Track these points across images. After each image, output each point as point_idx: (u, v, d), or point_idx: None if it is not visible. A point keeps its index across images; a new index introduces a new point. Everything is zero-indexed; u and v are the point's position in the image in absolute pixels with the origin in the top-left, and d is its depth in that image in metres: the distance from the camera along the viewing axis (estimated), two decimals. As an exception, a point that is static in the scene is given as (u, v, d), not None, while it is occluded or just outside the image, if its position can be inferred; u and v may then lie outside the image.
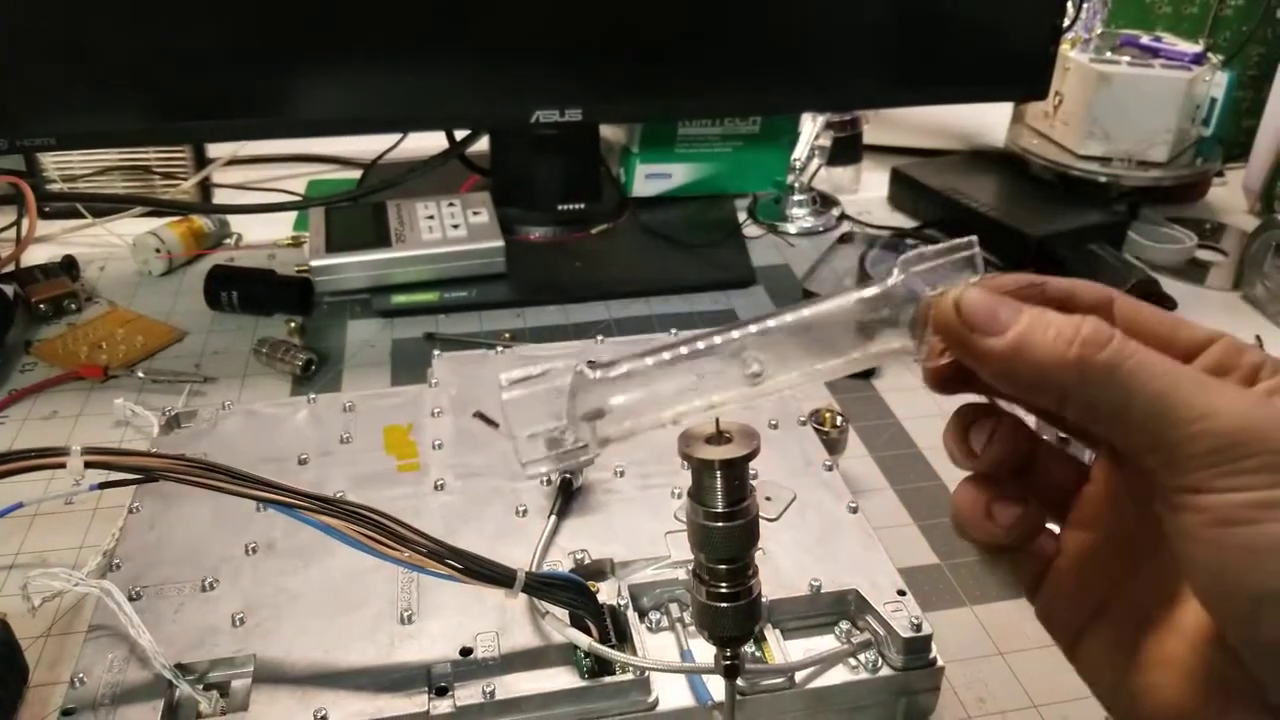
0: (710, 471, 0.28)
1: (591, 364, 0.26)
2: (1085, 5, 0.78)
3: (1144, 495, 0.24)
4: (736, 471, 0.28)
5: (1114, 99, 0.75)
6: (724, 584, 0.29)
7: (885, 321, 0.26)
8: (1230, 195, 0.86)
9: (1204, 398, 0.22)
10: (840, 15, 0.68)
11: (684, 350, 0.26)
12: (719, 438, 0.28)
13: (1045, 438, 0.28)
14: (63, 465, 0.33)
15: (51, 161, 0.78)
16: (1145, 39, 0.79)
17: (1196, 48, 0.77)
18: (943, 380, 0.27)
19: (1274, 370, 0.24)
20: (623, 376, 0.26)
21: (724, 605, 0.29)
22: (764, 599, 0.30)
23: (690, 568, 0.30)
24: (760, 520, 0.29)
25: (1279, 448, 0.21)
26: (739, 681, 0.32)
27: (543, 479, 0.44)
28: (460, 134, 0.75)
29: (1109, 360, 0.23)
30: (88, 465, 0.33)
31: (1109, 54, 0.77)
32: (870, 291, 0.26)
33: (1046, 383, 0.23)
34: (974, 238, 0.26)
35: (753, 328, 0.26)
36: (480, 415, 0.45)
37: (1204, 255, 0.76)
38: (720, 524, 0.28)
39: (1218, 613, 0.23)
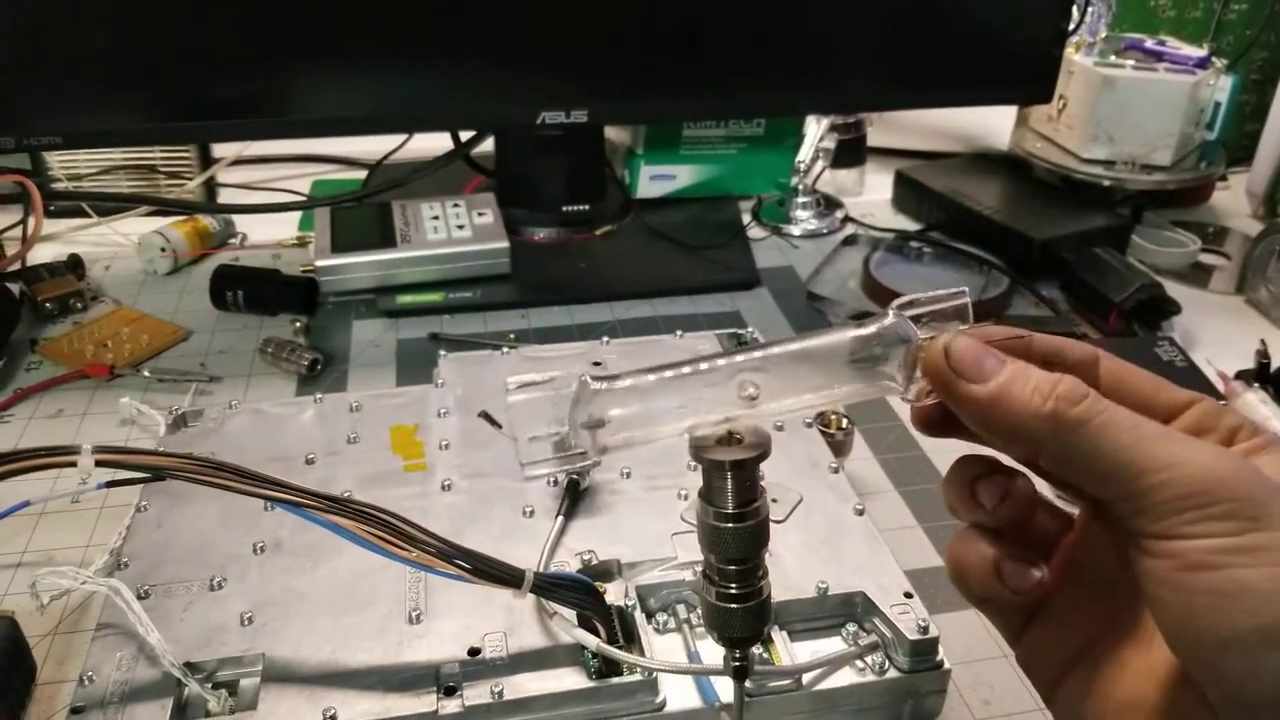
0: (721, 472, 0.28)
1: (596, 376, 0.27)
2: (1090, 9, 0.78)
3: (1121, 544, 0.25)
4: (747, 472, 0.28)
5: (1118, 102, 0.75)
6: (734, 585, 0.29)
7: (877, 359, 0.27)
8: (1233, 199, 0.86)
9: (1171, 449, 0.23)
10: (845, 17, 0.68)
11: (686, 370, 0.27)
12: (730, 439, 0.28)
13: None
14: (73, 464, 0.33)
15: (57, 160, 0.78)
16: (1149, 43, 0.79)
17: (1201, 52, 0.77)
18: (929, 422, 0.28)
19: (1251, 433, 0.26)
20: (625, 389, 0.27)
21: (734, 606, 0.29)
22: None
23: (700, 569, 0.30)
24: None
25: (1242, 496, 0.22)
26: (746, 683, 0.33)
27: (549, 480, 0.44)
28: (465, 135, 0.75)
29: (1080, 415, 0.24)
30: (98, 464, 0.33)
31: (1113, 57, 0.78)
32: (865, 330, 0.27)
33: (1021, 432, 0.25)
34: (965, 288, 0.27)
35: (755, 354, 0.27)
36: (485, 415, 0.45)
37: (1207, 259, 0.76)
38: (730, 525, 0.29)
39: (1185, 655, 0.23)
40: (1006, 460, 0.27)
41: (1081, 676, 0.27)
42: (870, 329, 0.27)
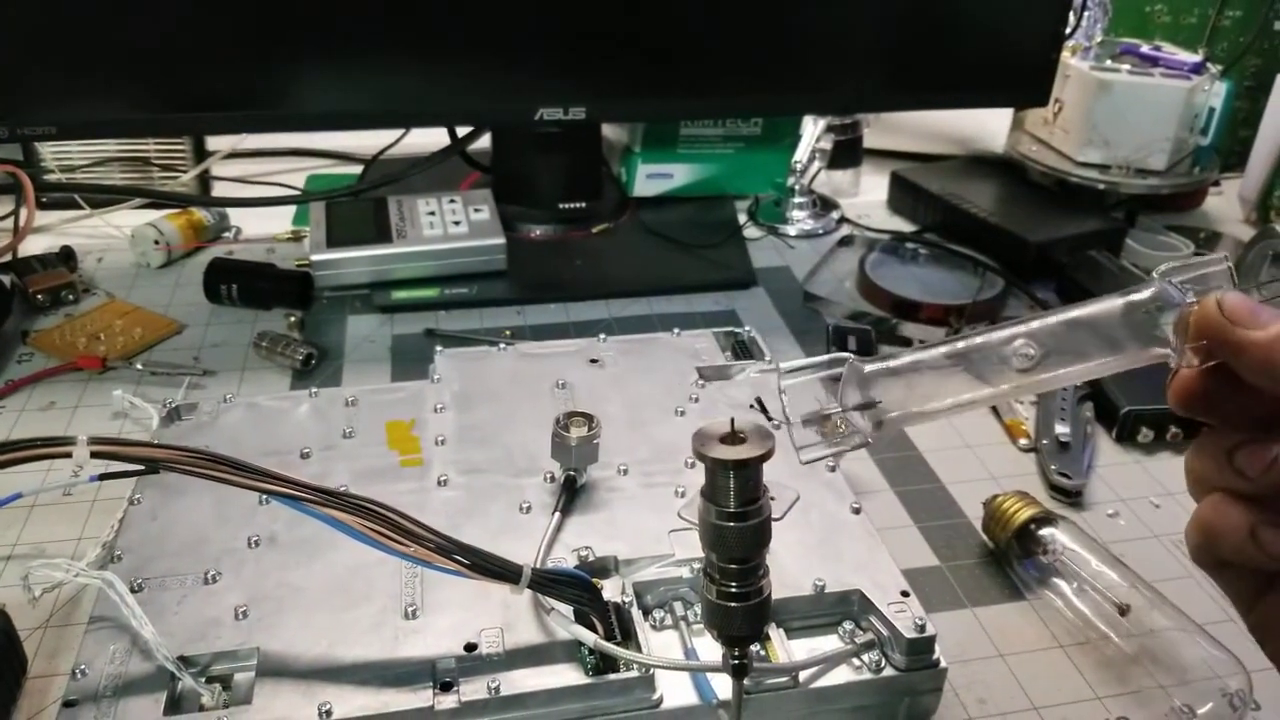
0: (724, 472, 0.28)
1: (866, 357, 0.28)
2: (1086, 13, 0.78)
3: None
4: (750, 472, 0.28)
5: (1114, 106, 0.76)
6: (734, 583, 0.29)
7: (1146, 325, 0.27)
8: (1225, 205, 0.87)
9: None
10: (844, 19, 0.68)
11: (959, 345, 0.28)
12: (733, 438, 0.28)
13: None
14: (69, 454, 0.33)
15: (49, 151, 0.78)
16: (1145, 48, 0.80)
17: (1196, 57, 0.78)
18: (1191, 393, 0.28)
19: None
20: (898, 369, 0.27)
21: (734, 605, 0.29)
22: (769, 598, 0.30)
23: (700, 566, 0.30)
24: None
25: None
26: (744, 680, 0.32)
27: (548, 474, 0.44)
28: (462, 130, 0.75)
29: None
30: (94, 455, 0.33)
31: (1109, 62, 0.78)
32: (1138, 295, 0.27)
33: None
34: (1226, 254, 0.28)
35: (1022, 326, 0.28)
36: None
37: (1200, 263, 0.77)
38: (732, 524, 0.29)
39: None
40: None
41: None
42: (1144, 294, 0.27)
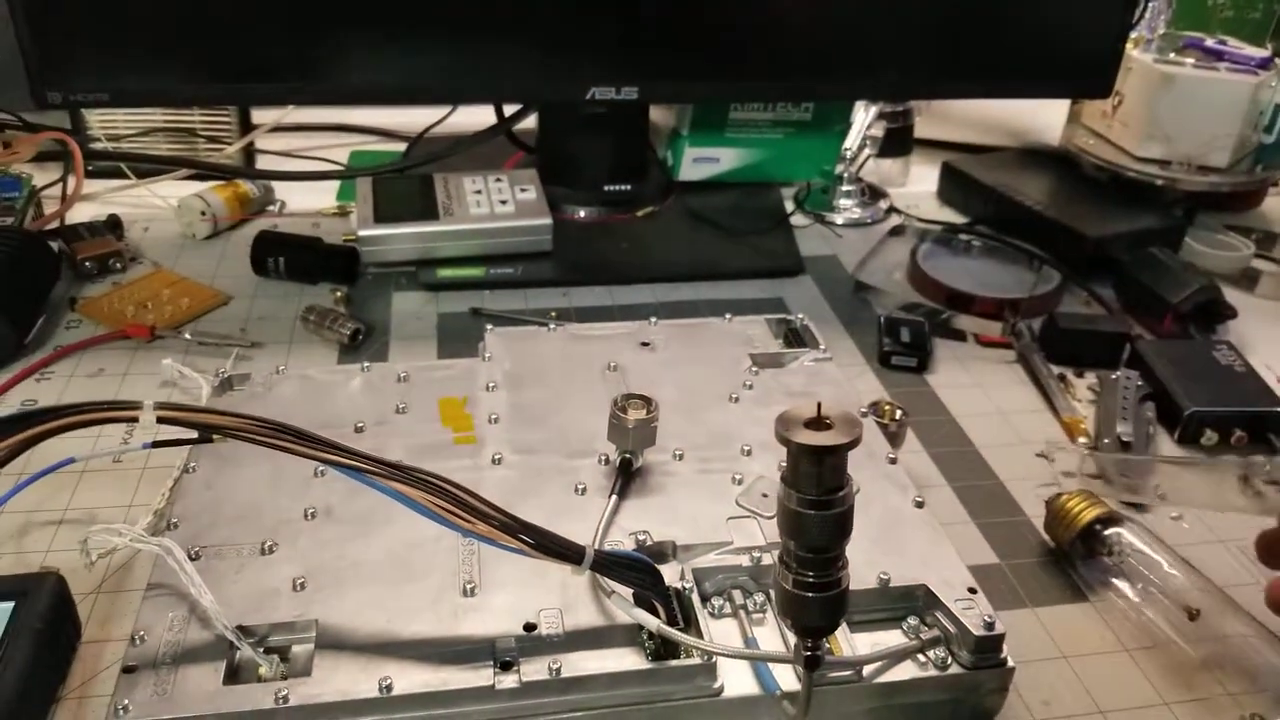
0: (810, 458, 0.27)
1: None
2: (1150, 5, 0.76)
3: None
4: (835, 459, 0.27)
5: (1177, 101, 0.74)
6: (812, 573, 0.29)
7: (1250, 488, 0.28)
8: (1284, 205, 0.85)
9: None
10: (904, 3, 0.67)
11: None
12: (818, 423, 0.27)
13: None
14: (135, 419, 0.33)
15: (97, 120, 0.78)
16: (1210, 42, 0.77)
17: (1263, 52, 0.75)
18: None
19: None
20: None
21: (811, 595, 0.29)
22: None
23: (777, 554, 0.29)
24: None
25: None
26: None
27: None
28: (509, 109, 0.74)
29: None
30: (159, 420, 0.33)
31: (1173, 55, 0.76)
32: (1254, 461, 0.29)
33: None
34: None
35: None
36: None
37: (1257, 264, 0.75)
38: (814, 511, 0.28)
39: None
40: None
41: None
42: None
